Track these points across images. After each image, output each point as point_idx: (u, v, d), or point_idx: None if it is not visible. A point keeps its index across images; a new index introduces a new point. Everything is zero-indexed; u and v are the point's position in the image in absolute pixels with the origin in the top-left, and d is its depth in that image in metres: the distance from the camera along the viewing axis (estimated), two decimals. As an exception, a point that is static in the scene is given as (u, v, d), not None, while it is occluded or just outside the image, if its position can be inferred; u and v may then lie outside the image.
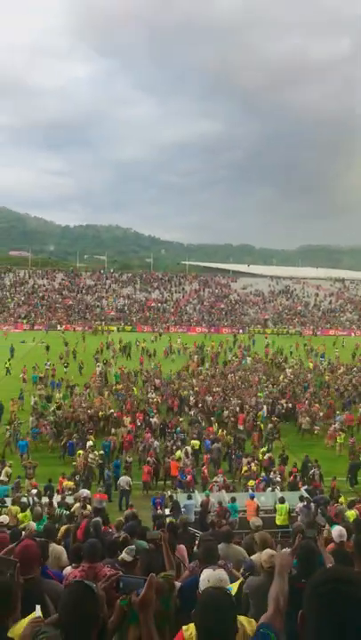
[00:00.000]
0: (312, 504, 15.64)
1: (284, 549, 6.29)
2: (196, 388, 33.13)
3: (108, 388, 34.16)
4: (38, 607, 3.06)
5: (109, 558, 6.34)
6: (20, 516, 13.97)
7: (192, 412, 28.55)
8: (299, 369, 42.65)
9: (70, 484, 18.85)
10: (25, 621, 3.00)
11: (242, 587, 5.76)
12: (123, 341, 51.83)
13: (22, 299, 76.89)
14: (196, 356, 47.60)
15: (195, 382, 35.46)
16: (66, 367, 40.42)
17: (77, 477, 20.11)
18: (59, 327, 67.28)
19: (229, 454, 23.70)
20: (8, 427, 25.45)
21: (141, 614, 2.81)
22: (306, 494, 17.20)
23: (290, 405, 30.83)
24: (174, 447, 22.99)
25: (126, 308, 77.60)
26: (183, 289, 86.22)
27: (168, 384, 34.77)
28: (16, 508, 14.75)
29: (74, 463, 21.68)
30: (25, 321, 69.63)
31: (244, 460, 22.04)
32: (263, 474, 20.69)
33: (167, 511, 15.86)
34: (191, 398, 30.52)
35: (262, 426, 27.14)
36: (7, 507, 14.93)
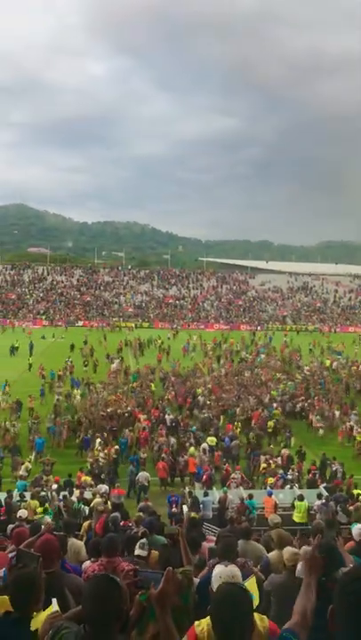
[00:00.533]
0: (331, 502, 15.53)
1: (303, 547, 6.26)
2: (209, 386, 33.01)
3: (123, 385, 34.14)
4: (54, 601, 3.07)
5: (129, 555, 6.36)
6: (40, 510, 14.13)
7: (204, 410, 28.40)
8: (316, 366, 42.38)
9: (89, 479, 19.00)
10: (44, 615, 3.01)
11: (259, 583, 5.73)
12: (140, 339, 51.90)
13: (41, 295, 77.52)
14: (211, 353, 47.50)
15: (207, 380, 35.35)
16: (85, 366, 40.52)
17: (101, 473, 20.26)
18: (78, 323, 67.74)
19: (248, 452, 23.68)
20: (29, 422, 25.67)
21: (158, 609, 2.80)
22: (325, 492, 17.10)
23: (305, 404, 30.52)
24: (187, 445, 22.98)
25: (144, 304, 77.80)
26: (201, 285, 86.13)
27: (182, 382, 34.67)
28: (35, 503, 14.94)
29: (89, 460, 21.80)
30: (44, 317, 70.23)
31: (262, 458, 21.99)
32: (281, 471, 20.60)
33: (185, 508, 15.86)
34: (200, 398, 30.23)
35: (271, 423, 26.89)
36: (27, 501, 15.12)
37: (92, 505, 14.57)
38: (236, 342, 53.82)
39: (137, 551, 5.49)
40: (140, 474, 19.78)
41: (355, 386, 35.47)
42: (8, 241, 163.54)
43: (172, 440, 23.70)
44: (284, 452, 23.01)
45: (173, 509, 15.88)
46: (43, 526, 9.20)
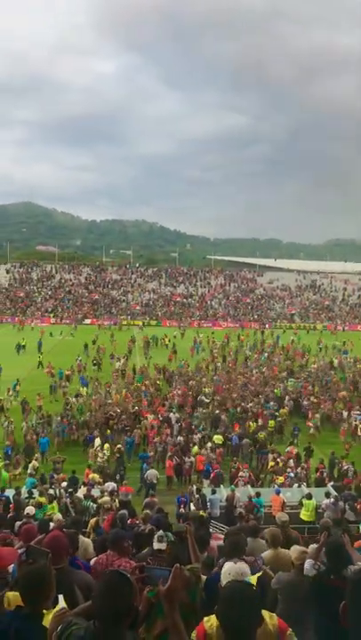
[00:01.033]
0: (340, 501, 15.50)
1: (311, 545, 6.25)
2: (210, 387, 32.76)
3: (128, 384, 34.03)
4: (61, 598, 3.08)
5: (138, 552, 6.38)
6: (48, 507, 14.19)
7: (204, 410, 28.20)
8: (322, 365, 42.22)
9: (97, 476, 19.05)
10: (53, 612, 3.03)
11: (260, 581, 5.72)
12: (148, 337, 51.85)
13: (49, 293, 77.77)
14: (216, 351, 47.47)
15: (210, 379, 35.13)
16: (94, 364, 40.44)
17: (109, 471, 20.34)
18: (85, 321, 67.88)
19: (252, 449, 23.64)
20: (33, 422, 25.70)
21: (167, 605, 2.81)
22: (333, 490, 17.05)
23: (305, 402, 30.29)
24: (191, 445, 22.95)
25: (152, 302, 77.84)
26: (209, 283, 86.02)
27: (184, 381, 34.45)
28: (42, 500, 15.02)
29: (90, 459, 21.92)
30: (52, 315, 70.46)
31: (270, 456, 21.95)
32: (289, 470, 20.53)
33: (192, 506, 15.83)
34: (202, 397, 30.06)
35: (272, 422, 26.74)
36: (35, 498, 15.19)
37: (99, 502, 14.61)
38: (246, 340, 53.66)
39: (156, 545, 5.49)
40: (148, 472, 19.81)
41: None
42: (17, 239, 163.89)
43: (179, 439, 23.67)
44: (291, 449, 22.93)
45: (181, 510, 15.85)
46: (52, 523, 9.28)
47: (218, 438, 23.91)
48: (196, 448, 22.38)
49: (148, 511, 11.08)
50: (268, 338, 57.77)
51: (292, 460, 21.65)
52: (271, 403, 29.29)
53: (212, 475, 19.79)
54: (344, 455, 22.95)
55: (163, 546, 5.25)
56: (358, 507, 15.50)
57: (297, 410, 30.04)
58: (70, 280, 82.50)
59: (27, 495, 15.45)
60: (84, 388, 32.22)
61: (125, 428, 24.78)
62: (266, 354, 46.67)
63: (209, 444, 22.83)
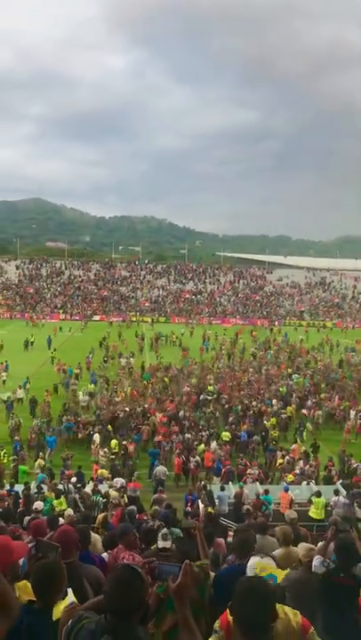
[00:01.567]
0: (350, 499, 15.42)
1: (320, 542, 6.23)
2: (216, 384, 32.68)
3: (135, 381, 33.98)
4: (70, 592, 3.09)
5: (147, 548, 6.39)
6: (55, 502, 14.27)
7: (205, 408, 28.13)
8: (329, 363, 42.08)
9: (105, 472, 19.12)
10: (63, 605, 3.04)
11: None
12: (156, 334, 51.84)
13: (58, 289, 78.04)
14: (223, 347, 47.27)
15: (212, 377, 34.99)
16: (105, 362, 40.50)
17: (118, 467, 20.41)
18: (94, 317, 68.05)
19: (265, 447, 23.61)
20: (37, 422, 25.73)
21: (177, 602, 2.80)
22: (342, 488, 16.98)
23: (308, 402, 30.02)
24: (195, 442, 22.92)
25: (161, 299, 77.85)
26: (218, 280, 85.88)
27: (189, 378, 34.36)
28: (50, 495, 15.11)
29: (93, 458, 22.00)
30: (61, 311, 70.71)
31: (279, 454, 21.89)
32: (298, 467, 20.47)
33: (200, 503, 15.82)
34: (206, 396, 29.98)
35: (274, 420, 26.63)
36: (44, 493, 15.29)
37: (110, 494, 14.66)
38: (266, 333, 53.41)
39: (160, 543, 5.48)
40: (157, 468, 19.84)
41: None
42: (26, 235, 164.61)
43: (188, 435, 23.63)
44: (295, 447, 22.87)
45: (188, 508, 15.83)
46: (62, 519, 9.32)
47: (226, 435, 23.88)
48: (202, 446, 22.36)
49: (156, 507, 11.11)
50: (276, 335, 57.59)
51: (301, 460, 21.62)
52: (273, 400, 29.18)
53: (223, 471, 19.79)
54: (341, 452, 22.77)
55: (167, 544, 5.25)
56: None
57: (303, 408, 29.92)
58: (79, 276, 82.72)
59: (36, 490, 15.55)
60: (91, 385, 32.26)
61: (138, 426, 24.83)
62: (271, 351, 46.52)
63: (213, 443, 22.76)
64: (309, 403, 29.61)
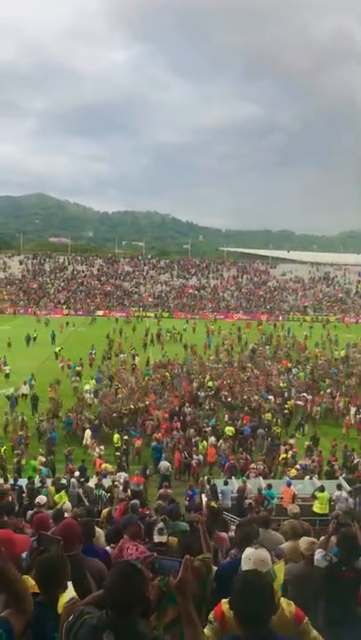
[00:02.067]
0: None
1: (322, 537, 6.24)
2: (215, 380, 32.67)
3: (136, 379, 33.83)
4: (70, 586, 3.10)
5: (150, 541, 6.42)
6: (56, 497, 14.35)
7: (204, 405, 28.20)
8: (329, 357, 42.00)
9: (109, 466, 19.18)
10: (64, 598, 3.05)
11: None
12: (159, 330, 51.77)
13: (62, 285, 78.10)
14: (226, 342, 47.19)
15: (212, 373, 34.91)
16: (108, 359, 40.33)
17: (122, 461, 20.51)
18: (98, 312, 68.04)
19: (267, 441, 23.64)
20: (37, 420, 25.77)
21: (179, 596, 2.81)
22: (345, 483, 17.00)
23: (308, 395, 30.02)
24: (198, 438, 22.94)
25: (164, 294, 77.84)
26: (221, 275, 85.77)
27: (186, 375, 34.27)
28: (52, 489, 15.18)
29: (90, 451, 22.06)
30: (65, 306, 70.79)
31: (282, 448, 21.92)
32: (301, 462, 20.50)
33: (203, 497, 15.89)
34: (201, 392, 29.91)
35: (268, 416, 26.53)
36: (47, 486, 15.37)
37: (112, 492, 14.72)
38: (265, 332, 53.36)
39: (156, 538, 5.50)
40: (161, 463, 19.90)
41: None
42: (30, 230, 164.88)
43: (192, 431, 23.66)
44: (293, 441, 22.91)
45: (187, 502, 15.87)
46: (65, 513, 9.36)
47: (229, 430, 23.90)
48: (204, 442, 22.38)
49: (160, 502, 11.15)
50: (279, 330, 57.49)
51: (305, 454, 21.65)
52: (271, 396, 29.10)
53: (226, 466, 19.84)
54: (332, 449, 22.77)
55: (163, 539, 5.26)
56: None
57: (298, 400, 29.89)
58: (83, 272, 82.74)
59: (39, 484, 15.62)
60: (92, 381, 32.18)
61: (144, 422, 24.90)
62: (269, 347, 46.29)
63: (211, 438, 22.79)
64: (305, 395, 29.65)
